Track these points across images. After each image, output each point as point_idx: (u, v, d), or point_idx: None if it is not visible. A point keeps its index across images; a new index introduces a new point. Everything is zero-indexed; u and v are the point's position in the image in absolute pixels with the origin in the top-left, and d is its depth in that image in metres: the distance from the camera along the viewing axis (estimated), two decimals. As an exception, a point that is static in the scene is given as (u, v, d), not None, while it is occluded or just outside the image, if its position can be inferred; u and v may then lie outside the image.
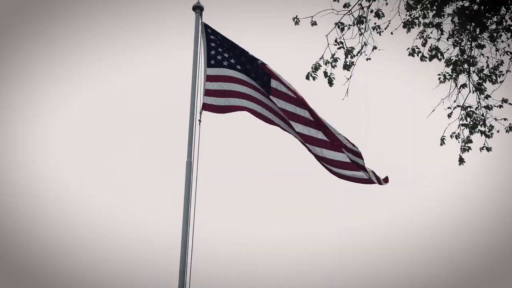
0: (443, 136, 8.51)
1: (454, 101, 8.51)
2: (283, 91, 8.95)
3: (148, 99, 17.95)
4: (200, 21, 9.22)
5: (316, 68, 8.42)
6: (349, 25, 8.32)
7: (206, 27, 9.23)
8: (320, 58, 8.49)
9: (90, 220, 15.13)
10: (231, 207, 14.76)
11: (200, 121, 8.83)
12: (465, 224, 15.60)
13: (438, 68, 8.76)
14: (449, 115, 8.50)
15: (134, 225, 14.85)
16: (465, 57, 8.44)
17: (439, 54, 8.36)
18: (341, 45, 8.32)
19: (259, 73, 9.05)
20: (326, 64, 8.44)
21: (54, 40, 17.90)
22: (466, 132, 8.52)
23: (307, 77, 8.47)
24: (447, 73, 8.58)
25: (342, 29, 8.29)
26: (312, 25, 8.35)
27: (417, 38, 8.60)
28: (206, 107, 8.99)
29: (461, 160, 8.57)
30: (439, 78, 8.62)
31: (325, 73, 8.46)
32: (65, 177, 16.23)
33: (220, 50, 9.22)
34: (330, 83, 8.47)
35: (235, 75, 9.15)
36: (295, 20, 8.48)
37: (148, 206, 15.32)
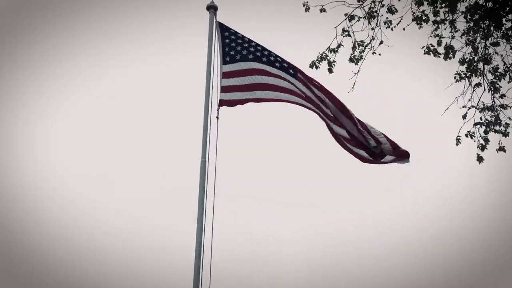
0: (458, 136, 8.46)
1: (469, 100, 8.48)
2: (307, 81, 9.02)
3: (161, 98, 17.95)
4: (215, 20, 9.22)
5: (322, 57, 8.49)
6: (359, 17, 8.35)
7: (220, 25, 9.23)
8: (327, 49, 8.57)
9: (101, 220, 15.09)
10: (246, 205, 14.77)
11: (217, 117, 8.80)
12: (466, 222, 15.55)
13: (451, 65, 8.75)
14: (464, 116, 8.45)
15: (147, 225, 14.79)
16: (479, 55, 8.42)
17: (451, 52, 8.35)
18: (347, 33, 8.33)
19: (278, 61, 9.10)
20: (331, 53, 8.48)
21: (60, 39, 17.86)
22: (482, 130, 8.46)
23: (311, 66, 8.59)
24: (462, 71, 8.57)
25: (351, 19, 8.30)
26: (320, 11, 8.36)
27: (431, 36, 8.59)
28: (223, 102, 8.97)
29: (480, 159, 8.48)
30: (455, 77, 8.59)
31: (329, 62, 8.54)
32: (75, 176, 16.18)
33: (233, 45, 9.22)
34: (330, 70, 8.58)
35: (249, 66, 9.13)
36: (305, 6, 8.50)
37: (162, 205, 15.30)
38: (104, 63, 17.98)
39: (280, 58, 9.18)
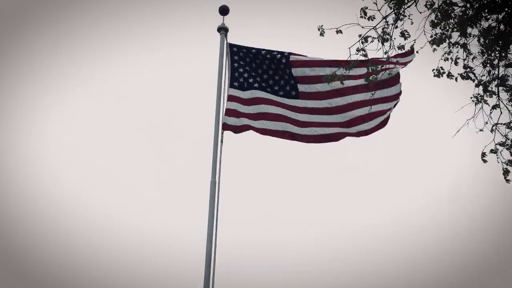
0: (483, 153, 8.32)
1: (486, 123, 8.39)
2: (313, 91, 9.22)
3: (171, 114, 17.95)
4: (225, 42, 9.29)
5: (331, 77, 8.55)
6: (373, 37, 8.35)
7: (231, 47, 9.30)
8: (339, 68, 8.57)
9: (101, 221, 15.18)
10: (254, 224, 14.82)
11: (222, 141, 8.88)
12: (466, 223, 15.58)
13: (463, 87, 8.71)
14: (492, 130, 8.32)
15: (149, 227, 14.90)
16: (493, 77, 8.38)
17: (472, 75, 8.31)
18: (363, 52, 8.33)
19: (283, 80, 9.22)
20: (346, 70, 8.48)
21: (63, 39, 17.88)
22: (506, 152, 8.36)
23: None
24: (478, 94, 8.48)
25: (365, 41, 8.31)
26: (337, 32, 8.34)
27: (441, 59, 8.56)
28: (225, 127, 9.09)
29: (508, 181, 8.37)
30: (472, 100, 8.49)
31: (340, 78, 8.65)
32: (75, 177, 16.33)
33: (241, 71, 9.32)
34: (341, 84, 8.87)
35: (254, 95, 9.29)
36: (320, 30, 8.48)
37: (162, 206, 15.46)
38: (112, 69, 18.07)
39: (287, 59, 9.26)
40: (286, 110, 9.23)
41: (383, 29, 8.29)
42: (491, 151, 8.19)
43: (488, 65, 8.27)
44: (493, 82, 8.26)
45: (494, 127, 8.04)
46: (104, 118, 17.97)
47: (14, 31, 17.71)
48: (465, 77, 8.30)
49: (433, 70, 8.54)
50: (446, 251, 15.16)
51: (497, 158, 8.13)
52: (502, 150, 8.21)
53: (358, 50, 8.33)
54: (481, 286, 14.50)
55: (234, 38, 9.42)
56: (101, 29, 17.87)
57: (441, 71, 8.54)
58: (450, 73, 8.41)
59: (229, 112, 9.15)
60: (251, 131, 9.30)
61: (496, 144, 8.17)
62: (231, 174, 9.14)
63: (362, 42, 8.21)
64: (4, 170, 15.71)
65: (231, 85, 9.27)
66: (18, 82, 17.31)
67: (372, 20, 8.34)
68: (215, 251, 8.36)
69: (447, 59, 8.53)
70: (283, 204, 15.83)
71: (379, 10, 8.27)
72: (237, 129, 9.16)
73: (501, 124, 8.21)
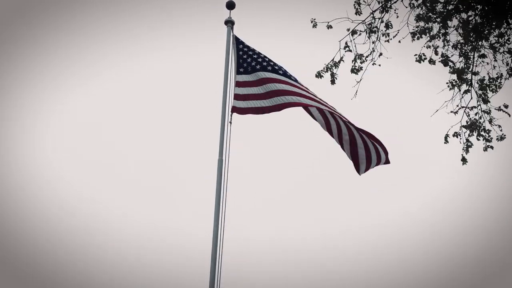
0: (447, 134, 9.29)
1: (457, 106, 9.32)
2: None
3: (180, 100, 18.22)
4: (232, 33, 10.17)
5: (327, 68, 9.45)
6: (360, 31, 9.28)
7: (236, 38, 10.20)
8: (331, 60, 9.46)
9: (101, 221, 15.40)
10: (259, 206, 15.25)
11: (230, 122, 9.69)
12: (466, 222, 16.04)
13: (442, 73, 9.57)
14: (455, 112, 9.25)
15: (149, 226, 15.18)
16: (470, 66, 9.29)
17: (450, 63, 9.21)
18: (348, 49, 9.24)
19: (281, 69, 10.05)
20: (334, 66, 9.38)
21: (66, 38, 17.92)
22: (467, 133, 9.28)
23: (317, 76, 9.52)
24: (454, 80, 9.41)
25: (354, 34, 9.23)
26: (328, 28, 9.29)
27: (424, 47, 9.46)
28: (235, 109, 9.90)
29: (464, 160, 9.34)
30: (448, 85, 9.42)
31: (332, 74, 9.46)
32: (76, 177, 16.50)
33: (246, 58, 10.18)
34: (333, 82, 9.53)
35: (259, 77, 10.05)
36: (313, 22, 9.43)
37: (161, 204, 15.72)
38: (116, 63, 18.25)
39: (284, 69, 10.15)
40: (290, 86, 9.90)
41: (370, 23, 9.24)
42: (455, 134, 9.13)
43: (463, 55, 9.20)
44: (468, 73, 9.18)
45: (458, 108, 8.94)
46: (104, 117, 18.19)
47: (14, 31, 17.66)
48: (445, 63, 9.23)
49: (415, 55, 9.42)
50: (446, 250, 15.59)
51: (460, 139, 9.14)
52: (465, 132, 9.15)
53: (346, 46, 9.25)
54: (482, 284, 14.91)
55: (240, 30, 10.33)
56: (102, 27, 17.98)
57: (423, 57, 9.44)
58: (432, 59, 9.31)
59: (238, 97, 9.95)
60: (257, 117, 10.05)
61: (461, 126, 9.16)
62: (236, 165, 9.73)
63: (352, 34, 9.18)
64: (5, 169, 15.78)
65: (238, 72, 10.10)
66: (19, 83, 17.30)
67: (361, 15, 9.32)
68: (221, 240, 8.68)
69: (429, 46, 9.44)
70: (283, 200, 16.24)
71: (369, 5, 9.26)
72: (244, 111, 9.90)
73: (469, 107, 9.12)
